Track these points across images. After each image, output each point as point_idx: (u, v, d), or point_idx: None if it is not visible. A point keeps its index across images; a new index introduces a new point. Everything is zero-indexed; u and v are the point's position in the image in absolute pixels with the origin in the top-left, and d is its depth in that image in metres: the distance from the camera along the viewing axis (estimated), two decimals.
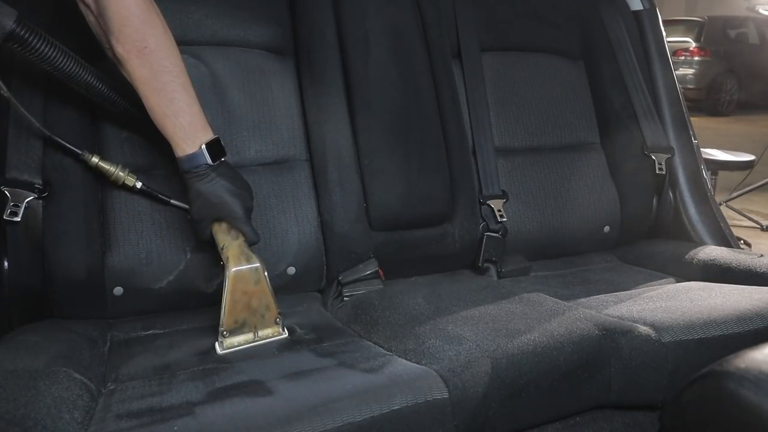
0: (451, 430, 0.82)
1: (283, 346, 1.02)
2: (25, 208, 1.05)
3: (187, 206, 1.11)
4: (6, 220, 1.03)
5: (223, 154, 1.04)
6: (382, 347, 1.00)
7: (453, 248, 1.38)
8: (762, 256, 1.33)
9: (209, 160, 1.01)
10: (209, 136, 1.02)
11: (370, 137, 1.32)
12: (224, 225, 1.05)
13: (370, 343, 1.03)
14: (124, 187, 1.12)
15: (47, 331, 1.01)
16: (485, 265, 1.41)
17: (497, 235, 1.41)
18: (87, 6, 1.00)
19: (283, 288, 1.24)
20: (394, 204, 1.32)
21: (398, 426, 0.78)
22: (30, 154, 1.08)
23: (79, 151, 1.08)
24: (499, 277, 1.41)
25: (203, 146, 1.00)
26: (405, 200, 1.32)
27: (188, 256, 1.17)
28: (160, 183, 1.18)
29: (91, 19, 1.02)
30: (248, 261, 1.03)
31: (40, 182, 1.08)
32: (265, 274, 1.04)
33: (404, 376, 0.84)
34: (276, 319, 1.06)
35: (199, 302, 1.19)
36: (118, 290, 1.13)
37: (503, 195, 1.45)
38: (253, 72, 1.30)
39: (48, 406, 0.76)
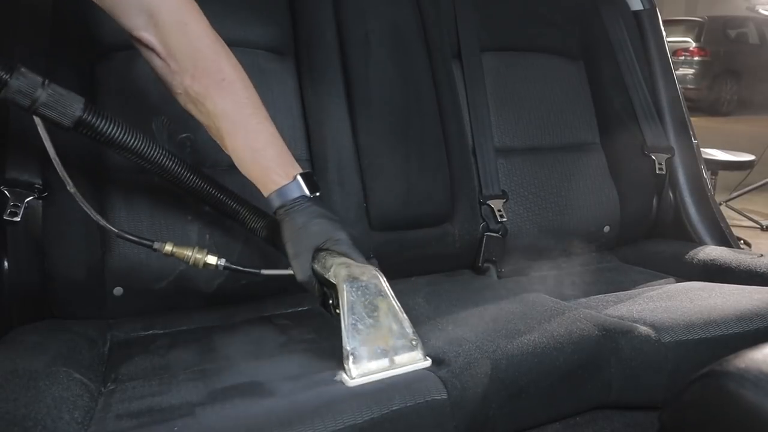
0: (451, 431, 0.82)
1: (282, 347, 1.02)
2: (25, 208, 1.04)
3: (278, 272, 1.00)
4: (6, 220, 1.03)
5: (318, 189, 0.94)
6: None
7: (453, 248, 1.38)
8: (762, 256, 1.33)
9: (306, 192, 0.92)
10: (299, 169, 0.94)
11: (370, 137, 1.32)
12: (328, 254, 0.91)
13: None
14: (206, 266, 1.00)
15: (47, 331, 1.01)
16: (485, 265, 1.41)
17: (497, 235, 1.41)
18: (152, 49, 0.91)
19: (283, 288, 1.24)
20: (394, 204, 1.32)
21: (398, 427, 0.78)
22: (30, 154, 1.08)
23: (150, 242, 0.96)
24: (499, 277, 1.41)
25: (298, 176, 0.92)
26: (405, 200, 1.32)
27: None
28: (160, 183, 1.17)
29: (157, 63, 0.93)
30: (362, 272, 0.87)
31: (40, 182, 1.07)
32: (386, 285, 0.88)
33: (403, 377, 0.84)
34: (413, 342, 0.86)
35: (199, 302, 1.19)
36: (118, 290, 1.13)
37: (503, 195, 1.45)
38: (253, 72, 1.28)
39: (48, 406, 0.76)
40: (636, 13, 1.72)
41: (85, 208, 0.92)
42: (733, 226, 1.66)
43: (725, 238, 1.55)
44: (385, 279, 0.89)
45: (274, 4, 1.35)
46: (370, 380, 0.80)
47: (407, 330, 0.86)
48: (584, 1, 1.67)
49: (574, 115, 1.60)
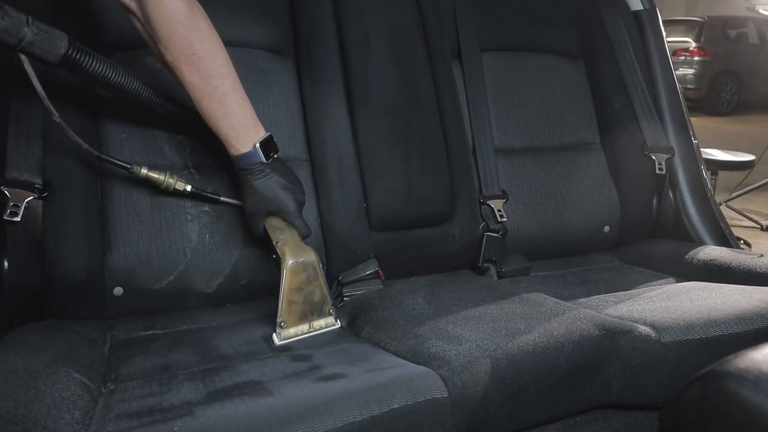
0: (451, 430, 0.82)
1: (282, 346, 1.02)
2: (25, 208, 1.04)
3: (235, 202, 1.17)
4: (6, 220, 1.03)
5: (276, 150, 1.08)
6: (382, 347, 1.00)
7: (453, 248, 1.38)
8: (762, 256, 1.33)
9: (263, 158, 1.05)
10: (261, 134, 1.06)
11: (370, 137, 1.32)
12: (277, 220, 1.09)
13: (369, 343, 1.03)
14: (175, 192, 1.13)
15: (47, 331, 1.01)
16: (485, 265, 1.41)
17: (497, 235, 1.41)
18: (133, 14, 1.00)
19: None
20: (394, 204, 1.32)
21: (398, 426, 0.78)
22: (30, 154, 1.08)
23: (128, 165, 1.08)
24: (499, 277, 1.41)
25: (257, 145, 1.04)
26: (405, 200, 1.32)
27: (188, 256, 1.17)
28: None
29: (137, 25, 1.02)
30: (304, 254, 1.05)
31: (40, 182, 1.08)
32: (320, 266, 1.07)
33: (404, 375, 0.84)
34: (330, 310, 1.09)
35: (199, 302, 1.19)
36: (118, 290, 1.13)
37: (503, 195, 1.45)
38: (253, 72, 1.30)
39: (48, 406, 0.76)
40: (636, 13, 1.72)
41: (71, 136, 1.00)
42: (733, 226, 1.66)
43: (725, 238, 1.55)
44: (319, 260, 1.07)
45: (274, 4, 1.35)
46: (293, 341, 1.03)
47: (328, 301, 1.08)
48: (584, 1, 1.67)
49: (574, 115, 1.60)
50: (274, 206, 1.08)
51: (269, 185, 1.06)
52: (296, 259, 1.04)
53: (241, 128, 1.03)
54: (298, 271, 1.04)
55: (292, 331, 1.04)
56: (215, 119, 1.02)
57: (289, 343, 1.03)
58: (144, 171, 1.08)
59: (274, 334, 1.03)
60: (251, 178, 1.06)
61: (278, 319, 1.03)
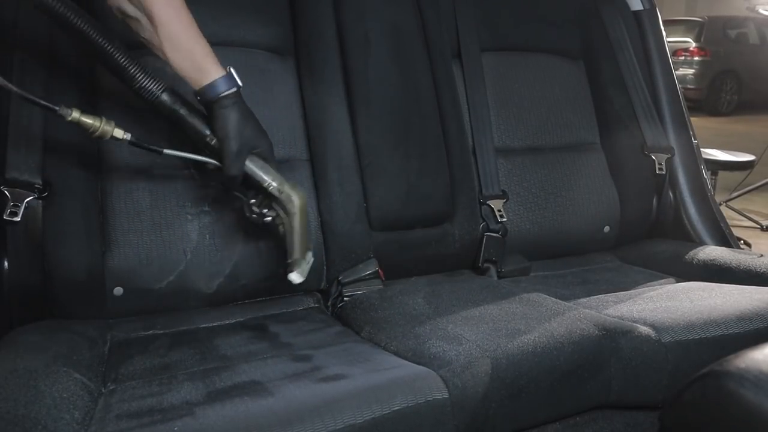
0: (451, 431, 0.82)
1: (282, 347, 1.02)
2: (25, 208, 1.04)
3: (200, 158, 1.03)
4: (6, 220, 1.03)
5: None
6: (382, 347, 1.00)
7: (453, 248, 1.38)
8: (762, 256, 1.33)
9: (239, 81, 0.99)
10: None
11: (370, 137, 1.32)
12: (257, 159, 1.03)
13: (370, 343, 1.03)
14: (113, 140, 0.99)
15: (47, 331, 1.01)
16: (485, 265, 1.41)
17: (497, 235, 1.41)
18: None
19: (283, 288, 1.24)
20: (394, 204, 1.32)
21: (399, 427, 0.78)
22: (30, 154, 1.08)
23: (56, 107, 0.93)
24: (499, 277, 1.41)
25: (231, 69, 0.99)
26: (405, 200, 1.32)
27: (188, 256, 1.17)
28: (160, 183, 1.18)
29: None
30: (300, 191, 1.05)
31: (40, 182, 1.07)
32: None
33: (404, 376, 0.84)
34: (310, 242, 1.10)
35: (199, 302, 1.19)
36: (118, 290, 1.13)
37: (503, 195, 1.45)
38: (253, 72, 1.30)
39: (48, 406, 0.76)
40: (636, 13, 1.72)
41: (23, 95, 0.91)
42: (733, 226, 1.66)
43: (725, 238, 1.55)
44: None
45: (274, 4, 1.35)
46: (305, 271, 1.04)
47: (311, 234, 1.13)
48: (584, 1, 1.67)
49: (574, 115, 1.60)
50: (259, 142, 1.02)
51: (249, 121, 1.00)
52: (302, 196, 1.04)
53: (210, 56, 0.97)
54: (306, 209, 1.05)
55: (304, 265, 1.05)
56: (193, 42, 0.96)
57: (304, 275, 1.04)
58: (75, 114, 0.94)
59: (293, 274, 1.03)
60: (230, 110, 0.98)
61: (295, 257, 1.03)
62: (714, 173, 2.54)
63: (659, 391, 0.98)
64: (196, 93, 0.98)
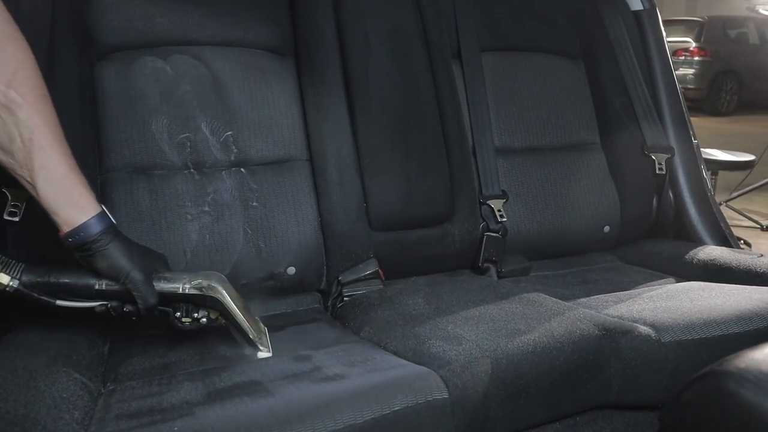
0: (451, 431, 0.82)
1: (282, 347, 1.02)
2: (25, 208, 1.04)
3: (78, 304, 0.91)
4: (6, 220, 1.03)
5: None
6: (382, 347, 1.00)
7: (453, 248, 1.38)
8: (762, 256, 1.33)
9: (113, 220, 0.90)
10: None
11: (370, 137, 1.32)
12: (163, 273, 0.94)
13: (370, 343, 1.03)
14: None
15: (47, 331, 1.01)
16: (485, 265, 1.41)
17: (497, 235, 1.41)
18: None
19: (283, 288, 1.24)
20: (394, 204, 1.32)
21: (399, 427, 0.78)
22: None
23: None
24: (499, 277, 1.41)
25: (103, 207, 0.89)
26: (405, 200, 1.32)
27: (188, 256, 1.17)
28: (160, 183, 1.18)
29: None
30: (214, 276, 0.97)
31: None
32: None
33: (404, 376, 0.84)
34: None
35: None
36: None
37: (503, 195, 1.45)
38: (253, 72, 1.30)
39: (48, 406, 0.76)
40: (636, 13, 1.72)
41: None
42: (733, 226, 1.66)
43: (725, 238, 1.55)
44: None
45: (274, 4, 1.35)
46: (267, 341, 1.00)
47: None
48: (584, 1, 1.67)
49: (574, 115, 1.60)
50: (151, 255, 0.94)
51: (130, 240, 0.91)
52: (221, 277, 0.97)
53: (88, 188, 0.87)
54: (230, 286, 0.97)
55: (264, 338, 1.00)
56: (71, 171, 0.85)
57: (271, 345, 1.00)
58: None
59: (260, 353, 0.99)
60: (114, 241, 0.87)
61: (251, 337, 0.98)
62: (714, 173, 2.54)
63: (659, 391, 0.98)
64: (69, 233, 0.85)
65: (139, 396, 0.85)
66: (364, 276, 1.27)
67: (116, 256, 0.88)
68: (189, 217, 1.18)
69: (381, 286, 1.27)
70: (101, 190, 1.15)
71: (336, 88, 1.32)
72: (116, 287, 0.90)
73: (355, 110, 1.32)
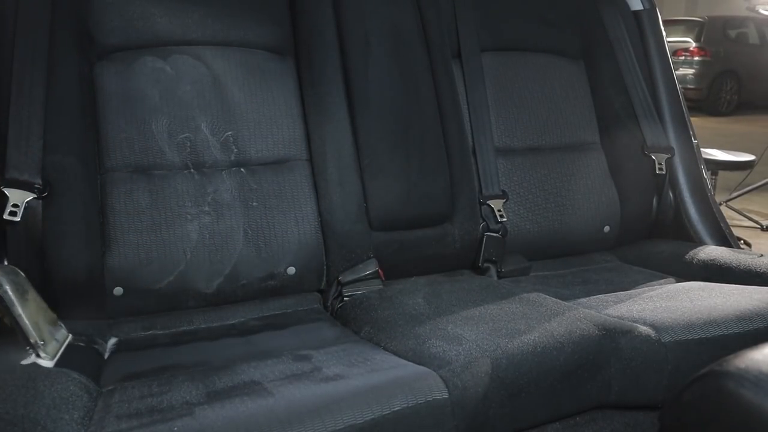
0: (451, 431, 0.82)
1: (282, 347, 1.02)
2: (25, 208, 1.04)
3: None
4: (6, 220, 1.03)
5: None
6: (382, 347, 1.00)
7: (453, 248, 1.38)
8: (762, 256, 1.33)
9: None
10: None
11: (370, 137, 1.32)
12: None
13: (370, 343, 1.03)
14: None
15: None
16: (485, 265, 1.41)
17: (497, 235, 1.41)
18: None
19: (283, 288, 1.24)
20: (394, 204, 1.32)
21: (399, 427, 0.78)
22: (30, 154, 1.08)
23: None
24: (499, 277, 1.41)
25: None
26: (405, 200, 1.32)
27: (188, 256, 1.17)
28: (160, 183, 1.18)
29: None
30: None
31: (40, 182, 1.07)
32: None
33: (404, 376, 0.84)
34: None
35: (199, 302, 1.19)
36: (118, 290, 1.13)
37: (503, 195, 1.45)
38: (253, 72, 1.30)
39: (47, 406, 0.76)
40: (636, 13, 1.72)
41: None
42: (733, 226, 1.65)
43: (725, 238, 1.55)
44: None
45: (274, 4, 1.35)
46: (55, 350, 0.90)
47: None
48: (584, 1, 1.67)
49: (574, 115, 1.60)
50: None
51: None
52: (8, 270, 0.90)
53: None
54: (23, 281, 0.90)
55: (52, 344, 0.91)
56: None
57: (59, 356, 0.90)
58: None
59: (40, 360, 0.88)
60: None
61: (32, 341, 0.88)
62: (714, 173, 2.54)
63: (659, 391, 0.98)
64: None
65: (139, 396, 0.85)
66: (364, 276, 1.27)
67: None
68: (189, 217, 1.18)
69: (381, 286, 1.27)
70: (101, 190, 1.15)
71: (336, 88, 1.32)
72: None
73: (355, 110, 1.32)
